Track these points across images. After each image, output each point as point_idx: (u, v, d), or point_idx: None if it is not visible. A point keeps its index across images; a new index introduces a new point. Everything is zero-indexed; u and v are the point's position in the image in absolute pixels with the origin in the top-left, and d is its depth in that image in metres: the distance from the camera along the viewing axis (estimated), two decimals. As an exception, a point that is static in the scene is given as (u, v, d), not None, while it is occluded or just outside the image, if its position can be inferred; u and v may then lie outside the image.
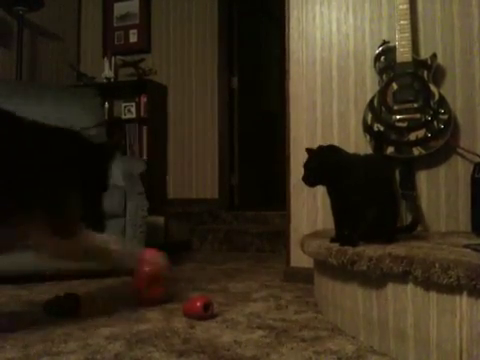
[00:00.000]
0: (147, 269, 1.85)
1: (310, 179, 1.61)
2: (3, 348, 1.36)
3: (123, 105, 4.70)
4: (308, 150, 1.62)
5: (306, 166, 1.61)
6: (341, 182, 1.57)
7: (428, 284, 1.19)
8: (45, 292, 2.14)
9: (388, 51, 2.18)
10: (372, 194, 1.55)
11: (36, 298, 2.01)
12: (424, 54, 2.18)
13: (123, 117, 4.69)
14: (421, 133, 2.07)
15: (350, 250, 1.43)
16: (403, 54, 2.13)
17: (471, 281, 1.08)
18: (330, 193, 1.64)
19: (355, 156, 1.67)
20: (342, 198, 1.60)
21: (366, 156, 1.72)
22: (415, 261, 1.21)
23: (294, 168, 2.37)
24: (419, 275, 1.19)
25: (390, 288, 1.32)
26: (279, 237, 3.57)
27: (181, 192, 4.66)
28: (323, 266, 1.73)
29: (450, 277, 1.11)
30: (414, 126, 2.09)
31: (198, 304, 1.67)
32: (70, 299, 1.73)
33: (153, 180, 4.44)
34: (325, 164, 1.57)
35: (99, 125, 3.34)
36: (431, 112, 2.07)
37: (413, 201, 2.15)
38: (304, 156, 1.62)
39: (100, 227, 1.84)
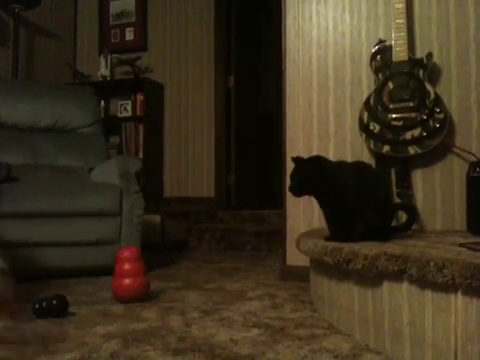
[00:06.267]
0: (127, 266, 1.91)
1: (297, 190, 1.63)
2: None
3: (119, 103, 4.70)
4: (294, 159, 1.64)
5: (293, 176, 1.63)
6: (331, 192, 1.59)
7: (423, 283, 1.20)
8: (41, 290, 2.14)
9: (384, 50, 2.18)
10: (363, 200, 1.58)
11: (32, 296, 2.01)
12: (420, 53, 2.18)
13: (119, 115, 4.68)
14: (417, 132, 2.08)
15: (345, 249, 1.43)
16: (399, 53, 2.13)
17: (466, 280, 1.09)
18: (321, 204, 1.66)
19: (342, 165, 1.69)
20: (333, 206, 1.63)
21: (354, 164, 1.74)
22: (410, 260, 1.21)
23: (290, 167, 2.36)
24: (414, 274, 1.19)
25: (385, 287, 1.32)
26: (276, 236, 3.57)
27: (178, 191, 4.65)
28: (319, 265, 1.73)
29: (445, 276, 1.12)
30: (410, 125, 2.09)
31: None
32: (57, 300, 1.71)
33: (149, 179, 4.44)
34: (313, 175, 1.59)
35: (95, 123, 3.35)
36: (427, 111, 2.07)
37: (409, 200, 2.15)
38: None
39: None
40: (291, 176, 1.63)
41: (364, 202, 1.59)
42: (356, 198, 1.58)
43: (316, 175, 1.59)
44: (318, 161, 1.64)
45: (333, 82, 2.35)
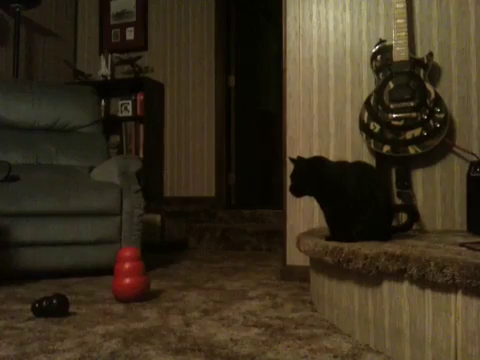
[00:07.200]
0: (127, 265, 1.91)
1: (297, 190, 1.63)
2: (-1, 346, 1.36)
3: (120, 103, 4.70)
4: (293, 160, 1.65)
5: (293, 177, 1.63)
6: (331, 192, 1.59)
7: (423, 282, 1.20)
8: (41, 290, 2.14)
9: (385, 50, 2.18)
10: (363, 200, 1.59)
11: (32, 296, 2.01)
12: (421, 53, 2.18)
13: (120, 115, 4.68)
14: (417, 132, 2.08)
15: (346, 248, 1.43)
16: (400, 53, 2.13)
17: (466, 280, 1.08)
18: (321, 204, 1.67)
19: (343, 165, 1.70)
20: (333, 206, 1.63)
21: (354, 164, 1.74)
22: (410, 259, 1.21)
23: (290, 167, 2.36)
24: (414, 273, 1.19)
25: (386, 286, 1.32)
26: (275, 236, 3.57)
27: (178, 190, 4.65)
28: (319, 264, 1.73)
29: (445, 276, 1.12)
30: (410, 125, 2.09)
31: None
32: (58, 299, 1.71)
33: (149, 178, 4.44)
34: (313, 176, 1.60)
35: (95, 123, 3.35)
36: (427, 111, 2.07)
37: (409, 200, 2.15)
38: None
39: None
40: (291, 176, 1.64)
41: (364, 202, 1.59)
42: (356, 198, 1.58)
43: (316, 175, 1.60)
44: (318, 161, 1.64)
45: (333, 82, 2.35)
